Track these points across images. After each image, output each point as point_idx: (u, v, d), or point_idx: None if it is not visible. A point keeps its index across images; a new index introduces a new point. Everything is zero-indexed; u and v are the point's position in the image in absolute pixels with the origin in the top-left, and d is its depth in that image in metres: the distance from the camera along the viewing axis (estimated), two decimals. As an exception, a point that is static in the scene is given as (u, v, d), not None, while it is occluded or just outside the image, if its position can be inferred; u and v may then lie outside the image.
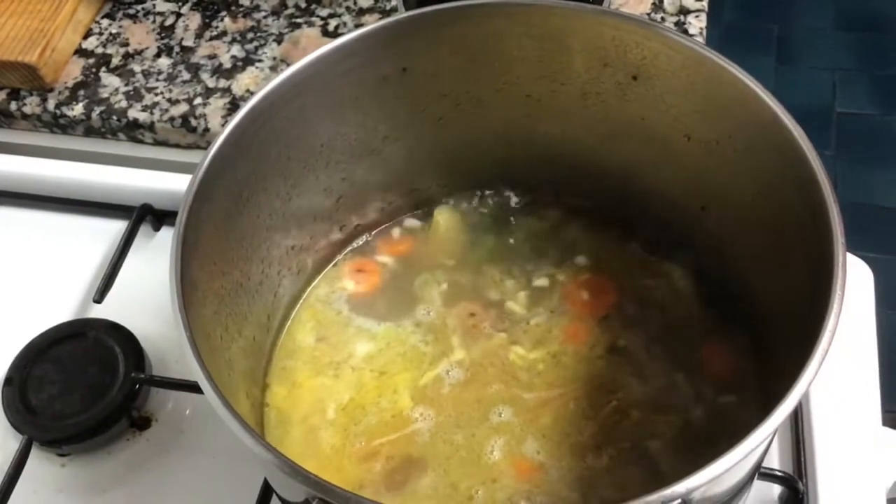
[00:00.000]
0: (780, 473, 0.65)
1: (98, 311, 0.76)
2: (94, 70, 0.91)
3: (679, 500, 0.42)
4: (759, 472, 0.62)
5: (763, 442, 0.43)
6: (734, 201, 0.61)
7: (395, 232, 0.72)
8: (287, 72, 0.58)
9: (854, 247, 0.60)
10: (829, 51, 2.32)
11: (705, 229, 0.65)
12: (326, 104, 0.61)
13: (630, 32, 0.58)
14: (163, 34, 0.94)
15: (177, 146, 0.88)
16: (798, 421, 0.68)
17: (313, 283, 0.69)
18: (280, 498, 0.57)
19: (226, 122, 0.56)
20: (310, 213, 0.65)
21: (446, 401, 0.63)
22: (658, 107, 0.61)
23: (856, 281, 0.73)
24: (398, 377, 0.64)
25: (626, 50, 0.59)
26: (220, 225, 0.56)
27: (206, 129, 0.86)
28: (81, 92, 0.90)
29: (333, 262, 0.70)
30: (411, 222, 0.72)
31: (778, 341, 0.58)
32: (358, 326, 0.67)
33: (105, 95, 0.89)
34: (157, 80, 0.90)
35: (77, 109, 0.88)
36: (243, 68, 0.90)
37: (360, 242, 0.71)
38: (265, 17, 0.94)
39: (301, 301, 0.69)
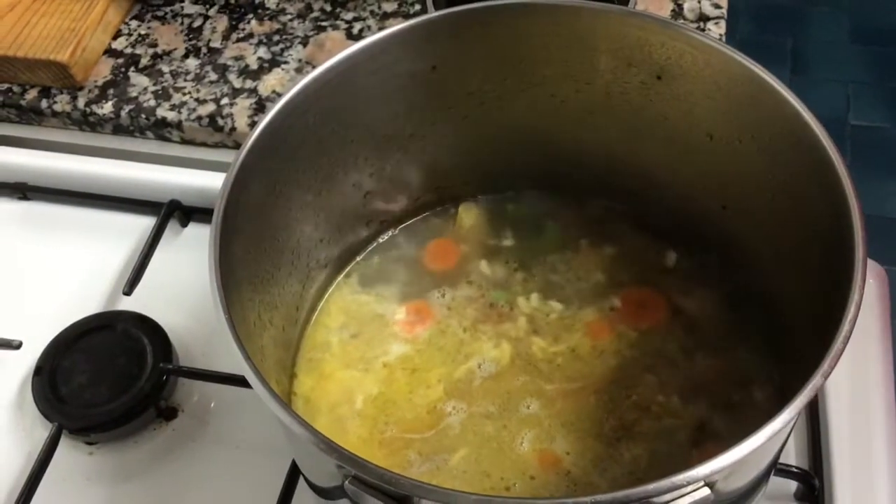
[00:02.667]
0: (796, 470, 0.66)
1: (127, 304, 0.78)
2: (123, 70, 0.93)
3: (702, 483, 0.43)
4: (776, 467, 0.63)
5: (784, 427, 0.44)
6: (755, 200, 0.62)
7: (421, 228, 0.73)
8: (320, 68, 0.59)
9: (869, 258, 0.61)
10: (843, 63, 2.33)
11: (726, 228, 0.66)
12: (357, 101, 0.63)
13: (655, 32, 0.59)
14: (191, 36, 0.96)
15: (203, 145, 0.90)
16: (815, 418, 0.69)
17: (338, 279, 0.71)
18: (309, 483, 0.59)
19: (256, 119, 0.58)
20: (338, 208, 0.67)
21: (477, 392, 0.64)
22: (681, 106, 0.62)
23: (873, 282, 0.74)
24: (431, 373, 0.65)
25: (651, 50, 0.60)
26: (254, 214, 0.57)
27: (233, 129, 0.88)
28: (111, 91, 0.91)
29: (359, 258, 0.72)
30: (436, 218, 0.73)
31: (798, 340, 0.59)
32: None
33: (134, 94, 0.91)
34: (185, 80, 0.91)
35: (106, 108, 0.90)
36: (269, 70, 0.92)
37: (386, 237, 0.72)
38: (291, 20, 0.96)
39: (327, 294, 0.70)
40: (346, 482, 0.44)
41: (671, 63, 0.60)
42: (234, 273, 0.54)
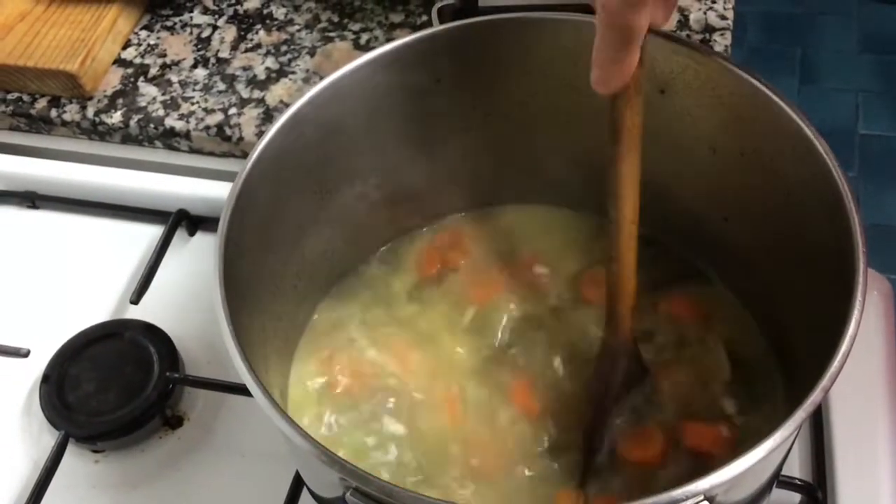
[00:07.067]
0: (799, 482, 0.65)
1: (134, 312, 0.78)
2: (132, 79, 0.94)
3: (702, 497, 0.43)
4: (779, 479, 0.63)
5: (784, 441, 0.44)
6: (757, 213, 0.62)
7: (425, 241, 0.73)
8: (326, 80, 0.60)
9: (875, 268, 0.61)
10: (853, 73, 2.33)
11: (728, 240, 0.66)
12: (362, 113, 0.63)
13: (658, 46, 0.59)
14: (199, 46, 0.96)
15: (211, 154, 0.90)
16: (818, 429, 0.69)
17: (341, 290, 0.71)
18: (312, 493, 0.59)
19: (264, 129, 0.58)
20: (342, 219, 0.67)
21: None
22: (684, 120, 0.62)
23: (877, 294, 0.74)
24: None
25: (655, 64, 0.60)
26: (260, 225, 0.58)
27: (241, 139, 0.88)
28: (120, 100, 0.92)
29: (363, 269, 0.72)
30: (439, 233, 0.73)
31: (802, 353, 0.59)
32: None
33: (143, 104, 0.91)
34: (194, 90, 0.92)
35: (115, 117, 0.91)
36: (277, 80, 0.92)
37: (393, 245, 0.72)
38: (299, 31, 0.96)
39: (331, 307, 0.70)
40: (348, 494, 0.45)
41: (674, 77, 0.60)
42: (239, 284, 0.54)
